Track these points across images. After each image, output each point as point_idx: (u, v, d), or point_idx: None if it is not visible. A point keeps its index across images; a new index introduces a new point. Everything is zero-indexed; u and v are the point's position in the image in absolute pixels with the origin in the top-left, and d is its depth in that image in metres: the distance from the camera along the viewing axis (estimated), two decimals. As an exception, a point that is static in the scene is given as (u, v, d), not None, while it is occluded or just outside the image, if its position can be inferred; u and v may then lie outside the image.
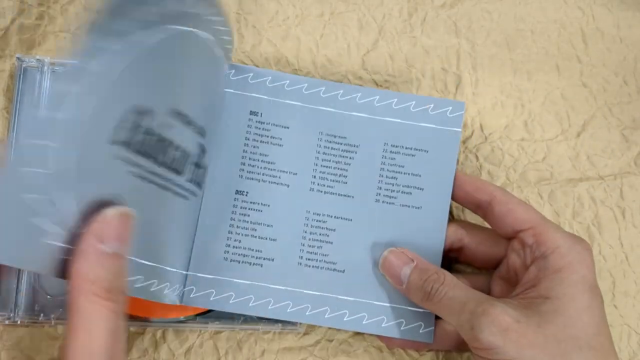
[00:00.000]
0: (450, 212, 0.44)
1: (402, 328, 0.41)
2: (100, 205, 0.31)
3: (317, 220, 0.42)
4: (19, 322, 0.41)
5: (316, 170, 0.42)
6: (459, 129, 0.43)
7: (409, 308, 0.41)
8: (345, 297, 0.41)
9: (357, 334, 0.44)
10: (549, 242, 0.38)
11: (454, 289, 0.38)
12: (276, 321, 0.42)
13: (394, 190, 0.42)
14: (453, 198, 0.43)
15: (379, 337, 0.43)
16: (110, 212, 0.31)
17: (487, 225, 0.43)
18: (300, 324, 0.43)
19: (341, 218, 0.42)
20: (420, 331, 0.41)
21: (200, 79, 0.39)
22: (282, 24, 0.48)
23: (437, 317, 0.41)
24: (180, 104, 0.37)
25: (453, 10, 0.49)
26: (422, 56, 0.48)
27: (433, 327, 0.41)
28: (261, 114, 0.43)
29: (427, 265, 0.40)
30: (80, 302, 0.29)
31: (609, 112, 0.47)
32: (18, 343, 0.43)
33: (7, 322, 0.41)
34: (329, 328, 0.44)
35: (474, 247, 0.42)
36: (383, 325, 0.41)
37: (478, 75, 0.48)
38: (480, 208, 0.42)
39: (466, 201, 0.42)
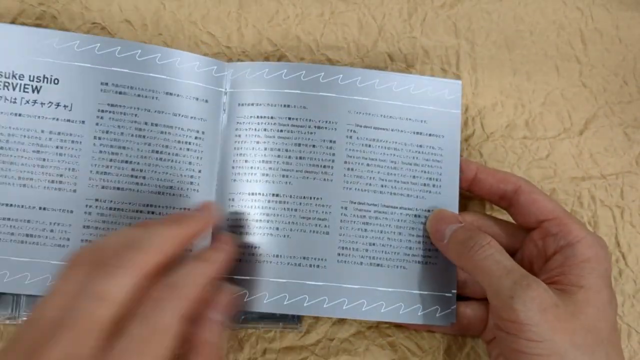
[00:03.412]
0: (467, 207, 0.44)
1: (419, 314, 0.41)
2: None
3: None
4: (20, 322, 0.40)
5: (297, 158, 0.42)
6: (458, 111, 0.43)
7: (424, 292, 0.41)
8: (350, 286, 0.41)
9: (358, 332, 0.44)
10: (574, 232, 0.38)
11: (500, 253, 0.38)
12: (277, 320, 0.42)
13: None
14: (477, 192, 0.43)
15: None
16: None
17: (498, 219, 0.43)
18: (301, 323, 0.43)
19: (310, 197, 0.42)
20: (437, 315, 0.41)
21: None
22: (283, 23, 0.48)
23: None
24: None
25: (453, 10, 0.49)
26: (421, 56, 0.48)
27: (454, 308, 0.41)
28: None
29: (474, 228, 0.40)
30: None
31: (611, 111, 0.48)
32: (18, 342, 0.43)
33: (7, 321, 0.40)
34: (331, 327, 0.44)
35: None
36: (401, 312, 0.41)
37: (478, 75, 0.48)
38: (504, 199, 0.42)
39: (490, 193, 0.42)
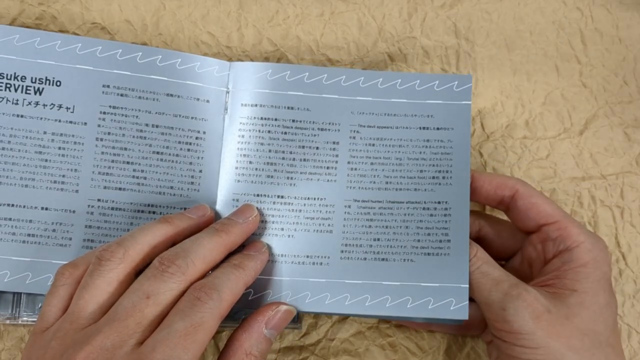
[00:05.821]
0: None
1: (430, 307, 0.39)
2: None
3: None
4: (20, 322, 0.41)
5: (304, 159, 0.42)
6: (469, 102, 0.42)
7: (436, 284, 0.40)
8: (353, 281, 0.40)
9: (358, 332, 0.44)
10: (573, 236, 0.38)
11: (487, 264, 0.38)
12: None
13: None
14: (474, 199, 0.42)
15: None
16: (283, 307, 0.38)
17: (503, 217, 0.43)
18: (301, 323, 0.43)
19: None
20: (452, 308, 0.39)
21: None
22: (283, 23, 0.48)
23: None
24: None
25: (453, 10, 0.49)
26: (421, 56, 0.48)
27: (467, 302, 0.39)
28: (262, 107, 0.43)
29: None
30: None
31: (611, 111, 0.48)
32: (19, 343, 0.43)
33: (8, 321, 0.41)
34: (331, 327, 0.44)
35: (491, 238, 0.42)
36: (408, 306, 0.39)
37: (478, 75, 0.48)
38: (502, 204, 0.41)
39: (488, 199, 0.42)
